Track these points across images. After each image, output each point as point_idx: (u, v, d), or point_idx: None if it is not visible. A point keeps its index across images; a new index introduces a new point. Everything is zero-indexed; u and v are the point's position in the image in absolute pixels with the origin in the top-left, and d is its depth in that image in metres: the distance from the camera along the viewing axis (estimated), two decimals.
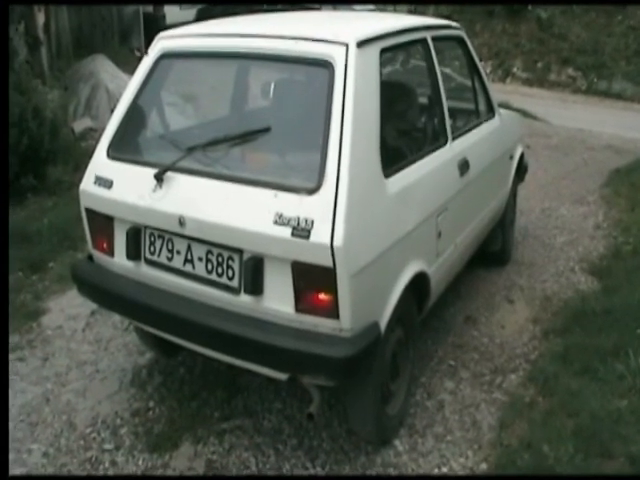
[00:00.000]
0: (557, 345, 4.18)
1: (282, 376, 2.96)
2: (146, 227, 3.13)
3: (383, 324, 2.96)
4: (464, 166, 3.88)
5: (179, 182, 3.02)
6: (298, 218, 2.66)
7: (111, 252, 3.31)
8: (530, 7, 17.46)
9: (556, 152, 8.84)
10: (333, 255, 2.61)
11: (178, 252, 3.05)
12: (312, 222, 2.64)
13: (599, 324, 4.28)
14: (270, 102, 3.74)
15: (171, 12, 13.20)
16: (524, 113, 11.52)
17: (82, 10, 11.65)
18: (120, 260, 3.27)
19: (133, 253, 3.18)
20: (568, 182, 7.51)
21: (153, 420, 3.59)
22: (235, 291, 2.90)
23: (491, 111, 4.78)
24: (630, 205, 6.58)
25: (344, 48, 2.89)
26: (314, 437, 3.47)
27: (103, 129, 7.43)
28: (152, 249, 3.14)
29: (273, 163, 3.11)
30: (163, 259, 3.11)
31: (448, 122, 3.79)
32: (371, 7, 13.22)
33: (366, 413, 3.17)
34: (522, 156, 5.36)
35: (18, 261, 5.06)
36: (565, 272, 5.30)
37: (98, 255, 3.41)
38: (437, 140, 3.72)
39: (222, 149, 3.05)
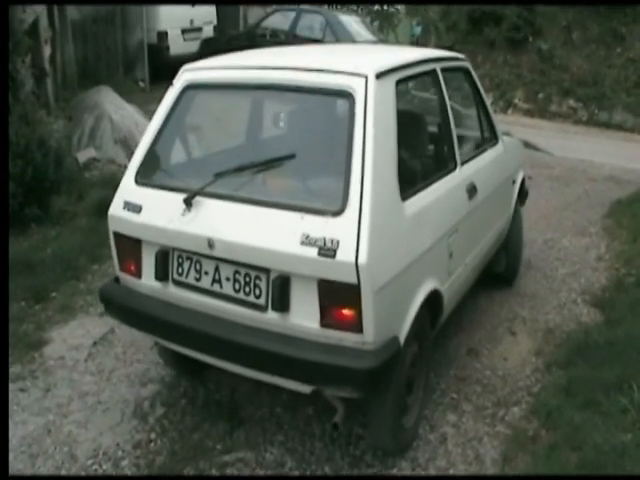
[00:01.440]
0: (560, 378, 4.16)
1: (306, 389, 3.09)
2: (174, 249, 3.29)
3: (402, 338, 3.11)
4: (472, 190, 4.06)
5: (207, 206, 3.17)
6: (324, 239, 2.84)
7: (138, 274, 3.46)
8: (531, 39, 17.63)
9: (558, 183, 8.87)
10: (358, 272, 2.78)
11: (206, 273, 3.20)
12: (337, 242, 2.81)
13: (602, 356, 4.26)
14: (292, 130, 3.93)
15: (175, 43, 13.30)
16: (526, 144, 11.61)
17: (87, 42, 11.78)
18: (147, 281, 3.42)
19: (161, 274, 3.33)
20: (570, 213, 7.53)
21: (155, 452, 3.58)
22: (262, 309, 3.06)
23: (495, 137, 4.96)
24: (632, 236, 6.59)
25: (364, 80, 3.10)
26: (316, 469, 3.46)
27: (107, 159, 7.53)
28: (180, 270, 3.29)
29: (298, 188, 3.27)
30: (191, 280, 3.26)
31: (457, 148, 3.99)
32: (372, 38, 13.33)
33: (385, 424, 3.33)
34: (523, 181, 5.53)
35: (21, 291, 5.06)
36: (567, 304, 5.30)
37: (125, 277, 3.55)
38: (447, 165, 3.89)
39: (248, 174, 3.23)
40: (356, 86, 3.09)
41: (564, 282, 5.70)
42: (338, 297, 2.88)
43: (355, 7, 16.43)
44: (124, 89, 10.53)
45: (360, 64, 3.28)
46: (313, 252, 2.84)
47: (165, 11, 13.08)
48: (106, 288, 3.66)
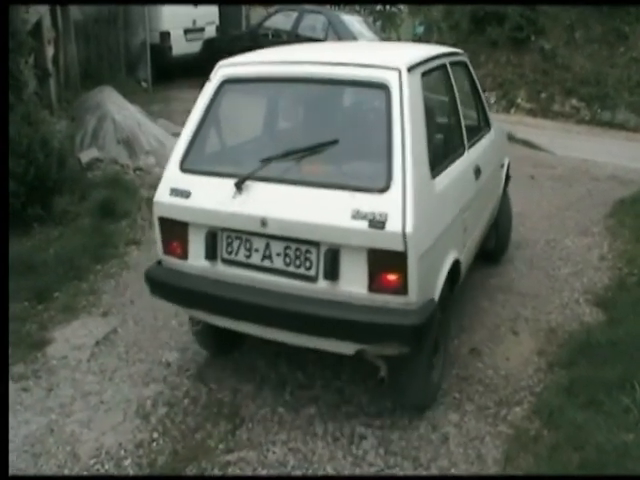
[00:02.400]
0: (562, 377, 4.16)
1: (349, 350, 3.47)
2: (224, 230, 3.57)
3: (435, 300, 3.51)
4: (478, 171, 4.52)
5: (258, 189, 3.48)
6: (373, 213, 3.21)
7: (184, 255, 3.72)
8: (533, 38, 17.61)
9: (560, 182, 8.85)
10: (405, 241, 3.17)
11: (256, 250, 3.50)
12: (386, 215, 3.19)
13: (604, 356, 4.26)
14: (331, 119, 4.09)
15: (178, 44, 13.29)
16: (528, 144, 11.61)
17: (90, 42, 11.79)
18: (195, 262, 3.68)
19: (210, 254, 3.60)
20: (572, 213, 7.52)
21: (157, 452, 3.59)
22: (313, 279, 3.38)
23: (488, 125, 5.36)
24: (635, 236, 6.57)
25: (397, 73, 3.50)
26: (318, 469, 3.47)
27: (109, 159, 7.53)
28: (229, 249, 3.57)
29: (343, 169, 3.63)
30: (241, 257, 3.54)
31: (465, 134, 4.44)
32: (375, 38, 13.31)
33: (419, 380, 3.72)
34: (508, 165, 5.92)
35: (24, 291, 5.08)
36: (570, 304, 5.30)
37: (169, 259, 3.80)
38: (458, 149, 4.31)
39: (295, 159, 3.54)
40: (391, 78, 3.47)
41: (566, 282, 5.70)
42: (386, 264, 3.24)
43: (357, 7, 16.42)
44: (127, 89, 10.53)
45: (392, 59, 3.69)
46: (364, 225, 3.21)
47: (168, 11, 13.07)
48: (151, 270, 3.88)
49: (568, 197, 8.15)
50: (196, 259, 3.67)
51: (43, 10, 8.07)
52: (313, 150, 3.54)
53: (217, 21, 14.36)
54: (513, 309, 5.18)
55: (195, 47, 13.63)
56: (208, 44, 13.78)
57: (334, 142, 3.54)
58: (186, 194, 3.64)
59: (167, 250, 3.79)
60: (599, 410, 3.73)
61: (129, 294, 5.27)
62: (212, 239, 3.58)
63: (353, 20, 13.46)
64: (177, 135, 9.07)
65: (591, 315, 5.10)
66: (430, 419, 3.87)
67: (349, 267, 3.31)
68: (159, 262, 3.88)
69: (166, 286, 3.81)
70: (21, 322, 4.77)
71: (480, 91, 5.23)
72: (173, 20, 13.22)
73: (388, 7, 16.32)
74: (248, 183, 3.49)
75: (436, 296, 3.52)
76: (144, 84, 12.54)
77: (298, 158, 3.54)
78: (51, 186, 6.16)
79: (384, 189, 3.25)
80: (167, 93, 12.37)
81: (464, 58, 5.03)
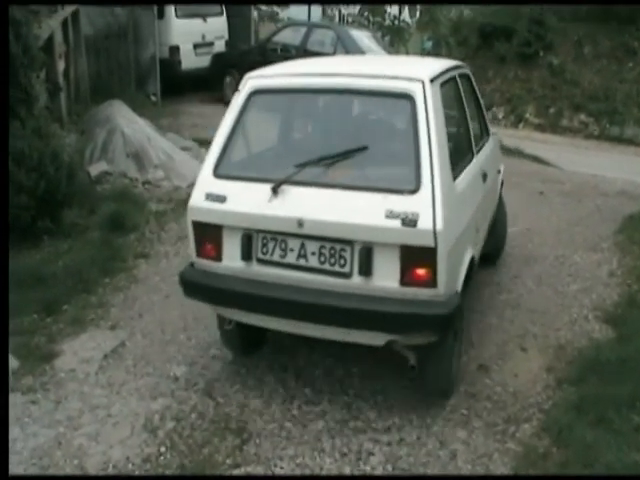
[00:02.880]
0: (571, 395, 4.14)
1: (380, 342, 3.74)
2: (259, 232, 3.78)
3: (459, 292, 3.80)
4: (484, 176, 4.82)
5: (293, 192, 3.71)
6: (406, 212, 3.48)
7: (218, 257, 3.90)
8: (542, 54, 17.64)
9: (569, 198, 8.83)
10: (435, 237, 3.45)
11: (292, 250, 3.71)
12: (417, 214, 3.46)
13: (614, 374, 4.23)
14: (359, 127, 4.44)
15: (187, 58, 13.37)
16: (537, 159, 11.61)
17: (100, 57, 11.87)
18: (229, 262, 3.87)
19: (246, 255, 3.79)
20: (581, 228, 7.50)
21: (164, 466, 3.58)
22: (347, 275, 3.62)
23: (487, 132, 5.65)
24: None
25: (421, 84, 3.79)
26: None
27: (119, 173, 7.57)
28: (264, 250, 3.78)
29: (374, 173, 3.90)
30: (276, 257, 3.76)
31: (473, 140, 4.74)
32: (384, 53, 13.35)
33: (443, 368, 3.96)
34: (502, 171, 6.24)
35: (33, 303, 5.09)
36: (579, 320, 5.27)
37: (202, 262, 3.98)
38: (468, 154, 4.58)
39: (327, 164, 3.80)
40: (415, 89, 3.76)
41: (575, 298, 5.67)
42: (417, 259, 3.52)
43: (366, 22, 16.51)
44: (136, 103, 10.59)
45: (415, 71, 4.05)
46: (397, 223, 3.48)
47: (177, 26, 13.17)
48: (185, 272, 4.06)
49: (577, 213, 8.13)
50: (231, 260, 3.86)
51: (55, 25, 8.14)
52: (345, 156, 3.81)
53: (226, 36, 14.42)
54: (522, 325, 5.16)
55: (204, 61, 13.70)
56: (217, 58, 13.85)
57: (364, 148, 3.84)
58: (222, 199, 3.83)
59: (200, 253, 3.97)
60: (609, 428, 3.71)
61: (137, 307, 5.28)
62: (248, 241, 3.78)
63: (362, 35, 13.51)
64: (186, 149, 9.18)
65: (600, 332, 5.08)
66: (438, 435, 3.85)
67: (382, 263, 3.56)
68: (191, 264, 4.06)
69: (201, 287, 3.99)
70: (30, 335, 4.78)
71: (481, 101, 5.58)
72: (182, 35, 13.31)
73: (397, 22, 16.36)
74: (284, 187, 3.71)
75: (459, 289, 3.80)
76: (153, 98, 12.59)
77: (330, 163, 3.80)
78: (61, 199, 6.19)
79: (414, 191, 3.53)
80: (176, 107, 12.43)
81: (467, 70, 5.33)
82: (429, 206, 3.48)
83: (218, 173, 3.94)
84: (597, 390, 4.08)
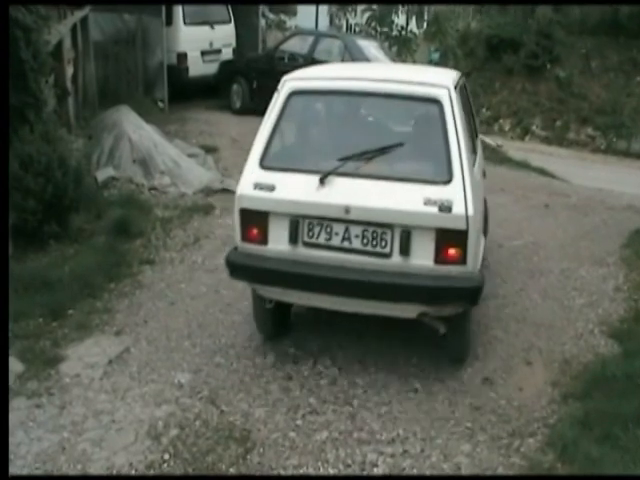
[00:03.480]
0: (577, 410, 4.12)
1: (413, 314, 4.28)
2: (305, 217, 4.19)
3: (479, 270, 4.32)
4: (484, 173, 5.43)
5: (338, 182, 4.17)
6: (441, 200, 4.01)
7: (264, 241, 4.29)
8: (549, 66, 17.67)
9: (575, 212, 8.81)
10: (467, 221, 4.00)
11: (336, 233, 4.16)
12: (452, 202, 4.00)
13: (620, 389, 4.22)
14: (392, 126, 5.03)
15: (194, 65, 13.38)
16: (543, 172, 11.61)
17: (109, 62, 11.90)
18: (275, 246, 4.26)
19: (294, 238, 4.18)
20: (587, 243, 7.48)
21: (167, 473, 3.57)
22: (387, 256, 4.11)
23: (477, 135, 6.06)
24: None
25: (447, 90, 4.37)
26: None
27: (125, 178, 7.59)
28: (310, 234, 4.20)
29: (411, 166, 4.38)
30: (321, 240, 4.19)
31: (475, 139, 5.30)
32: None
33: (463, 335, 4.58)
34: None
35: (39, 307, 5.09)
36: (585, 335, 5.26)
37: (247, 246, 4.34)
38: (474, 152, 4.93)
39: (367, 158, 4.27)
40: (442, 94, 4.33)
41: (581, 312, 5.66)
42: (450, 240, 4.04)
43: (373, 32, 16.54)
44: (143, 109, 10.60)
45: (439, 79, 4.69)
46: (434, 209, 4.01)
47: (185, 33, 13.20)
48: (231, 255, 4.42)
49: (583, 226, 8.12)
50: (277, 243, 4.25)
51: (64, 31, 8.17)
52: (383, 151, 4.30)
53: (234, 43, 14.44)
54: (527, 339, 5.15)
55: (212, 69, 13.72)
56: (224, 66, 13.86)
57: (400, 144, 4.37)
58: (271, 188, 4.24)
59: (245, 237, 4.34)
60: (615, 445, 3.69)
61: (142, 313, 5.28)
62: (295, 226, 4.18)
63: (369, 45, 13.51)
64: (192, 155, 9.19)
65: (606, 347, 5.06)
66: (442, 448, 3.84)
67: (419, 244, 4.06)
68: (235, 248, 4.42)
69: (249, 268, 4.36)
70: (35, 339, 4.78)
71: (472, 105, 6.01)
72: (190, 42, 13.33)
73: (404, 33, 16.39)
74: (330, 178, 4.15)
75: (478, 268, 4.31)
76: (161, 104, 12.61)
77: (370, 157, 4.27)
78: (67, 204, 6.20)
79: (448, 181, 4.07)
80: (183, 113, 12.44)
81: (465, 79, 5.73)
82: (461, 195, 4.03)
83: (264, 165, 4.34)
84: (603, 406, 4.06)
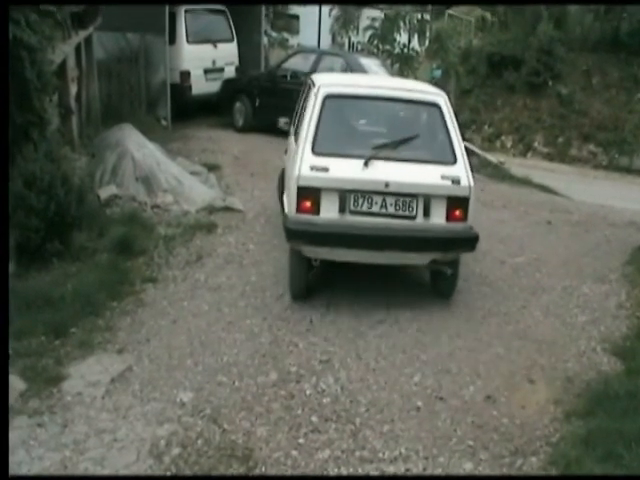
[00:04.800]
0: (579, 428, 4.12)
1: (425, 261, 5.75)
2: (351, 191, 5.45)
3: None
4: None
5: (377, 164, 5.52)
6: (452, 175, 5.55)
7: (317, 212, 5.47)
8: (550, 83, 17.73)
9: (577, 228, 8.81)
10: (470, 190, 5.56)
11: (376, 203, 5.48)
12: (459, 177, 5.56)
13: (623, 407, 4.21)
14: (406, 123, 6.45)
15: (197, 83, 13.43)
16: (545, 188, 11.62)
17: (112, 81, 11.96)
18: (326, 215, 5.46)
19: (342, 208, 5.43)
20: (590, 259, 7.48)
21: None
22: (413, 218, 5.52)
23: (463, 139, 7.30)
24: None
25: (444, 98, 6.02)
26: None
27: (128, 196, 7.61)
28: (355, 204, 5.47)
29: (426, 152, 5.87)
30: (364, 209, 5.49)
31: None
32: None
33: (455, 276, 5.93)
34: None
35: (41, 325, 5.09)
36: (587, 352, 5.25)
37: (299, 216, 5.49)
38: None
39: (395, 146, 5.71)
40: (441, 100, 5.96)
41: (584, 330, 5.66)
42: (457, 205, 5.56)
43: (375, 50, 16.61)
44: (146, 127, 10.63)
45: (436, 90, 6.41)
46: (448, 182, 5.53)
47: (188, 52, 13.27)
48: (288, 223, 5.55)
49: (585, 243, 8.12)
50: (327, 213, 5.46)
51: (68, 50, 8.22)
52: (405, 141, 5.75)
53: (236, 62, 14.50)
54: (529, 356, 5.14)
55: (214, 87, 13.76)
56: (227, 84, 13.91)
57: (417, 136, 5.88)
58: (325, 169, 5.43)
59: (300, 209, 5.47)
60: (618, 463, 3.68)
61: (145, 332, 5.28)
62: (343, 198, 5.41)
63: (371, 63, 13.55)
64: (195, 173, 9.21)
65: (609, 364, 5.05)
66: (444, 467, 3.83)
67: (436, 208, 5.51)
68: (285, 219, 5.64)
69: (305, 232, 5.47)
70: (37, 357, 4.77)
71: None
72: (193, 60, 13.39)
73: (406, 50, 16.46)
74: (371, 161, 5.47)
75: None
76: (164, 122, 12.64)
77: (396, 145, 5.70)
78: (70, 222, 6.21)
79: (454, 162, 5.63)
80: (186, 131, 12.49)
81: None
82: (464, 172, 5.59)
83: (316, 152, 5.52)
84: (606, 424, 4.05)
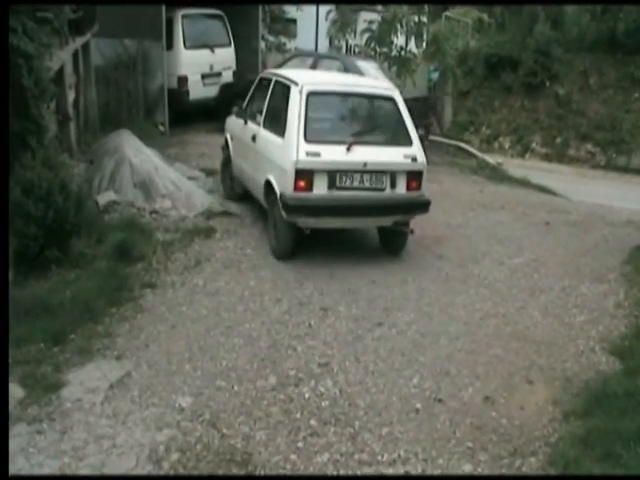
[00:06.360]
0: (578, 428, 4.12)
1: (390, 222, 6.97)
2: (338, 171, 6.58)
3: None
4: None
5: (356, 149, 6.65)
6: (410, 155, 6.83)
7: (310, 189, 6.54)
8: (548, 84, 17.74)
9: (575, 228, 8.83)
10: (423, 166, 6.89)
11: (356, 179, 6.65)
12: (415, 156, 6.84)
13: (621, 407, 4.21)
14: (371, 113, 7.54)
15: (195, 88, 13.45)
16: (544, 189, 11.64)
17: (110, 87, 11.99)
18: (317, 191, 6.56)
19: (331, 185, 6.55)
20: (588, 259, 7.49)
21: None
22: (383, 190, 6.77)
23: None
24: None
25: (397, 91, 7.39)
26: None
27: (126, 202, 7.61)
28: (340, 182, 6.60)
29: (390, 137, 7.22)
30: (347, 184, 6.63)
31: None
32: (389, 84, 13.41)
33: (405, 236, 7.21)
34: None
35: (40, 332, 5.09)
36: (586, 352, 5.26)
37: (295, 194, 6.50)
38: None
39: (367, 132, 7.17)
40: (395, 94, 7.25)
41: (582, 329, 5.67)
42: (414, 178, 6.85)
43: (372, 53, 16.59)
44: (144, 133, 10.64)
45: (390, 85, 8.37)
46: (408, 160, 6.80)
47: (186, 57, 13.30)
48: (286, 199, 6.52)
49: (584, 243, 8.13)
50: (319, 190, 6.55)
51: (66, 57, 8.24)
52: (375, 128, 7.35)
53: (234, 66, 14.53)
54: (528, 357, 5.15)
55: (212, 92, 13.78)
56: (225, 89, 13.92)
57: (380, 125, 7.42)
58: (318, 154, 6.50)
59: (296, 188, 6.49)
60: (617, 463, 3.68)
61: (143, 337, 5.28)
62: (332, 177, 6.54)
63: (368, 66, 13.55)
64: (193, 178, 9.21)
65: (607, 364, 5.06)
66: (443, 469, 3.84)
67: (399, 181, 6.79)
68: (282, 196, 6.56)
69: (301, 206, 6.55)
70: (36, 364, 4.77)
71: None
72: (191, 65, 13.41)
73: (403, 53, 16.44)
74: (351, 146, 6.61)
75: None
76: (161, 128, 12.67)
77: (369, 132, 7.19)
78: (69, 229, 6.21)
79: (410, 144, 6.90)
80: (184, 136, 12.51)
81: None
82: (419, 151, 6.91)
83: (308, 139, 6.55)
84: (604, 424, 4.06)
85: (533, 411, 4.42)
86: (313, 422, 4.24)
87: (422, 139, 12.22)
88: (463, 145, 15.86)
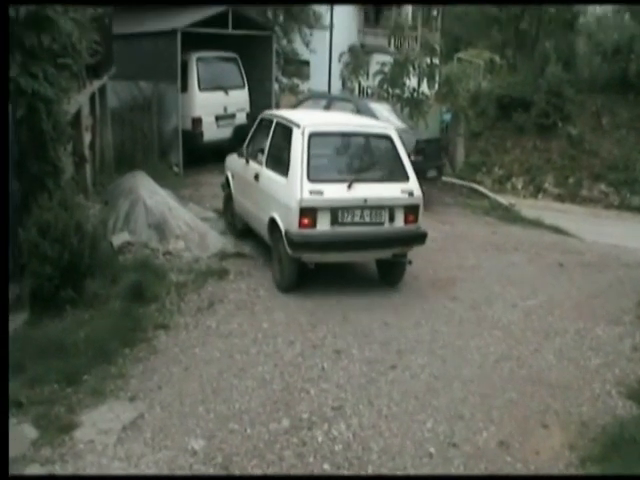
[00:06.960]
0: (595, 474, 4.06)
1: (389, 255, 7.30)
2: (340, 208, 6.87)
3: None
4: None
5: (357, 186, 6.94)
6: (407, 190, 7.14)
7: (314, 225, 6.81)
8: (560, 124, 17.81)
9: (590, 269, 8.79)
10: (420, 200, 7.24)
11: (356, 215, 6.94)
12: (412, 190, 7.16)
13: (639, 452, 4.15)
14: (370, 151, 7.78)
15: (209, 130, 13.57)
16: (557, 230, 11.61)
17: (125, 128, 12.15)
18: (321, 227, 6.84)
19: (334, 222, 6.84)
20: (603, 301, 7.45)
21: None
22: (382, 224, 7.07)
23: None
24: None
25: (394, 130, 7.74)
26: None
27: (140, 243, 7.68)
28: (342, 217, 6.89)
29: (388, 174, 7.42)
30: (348, 220, 6.92)
31: None
32: (402, 125, 13.52)
33: (403, 267, 7.52)
34: None
35: (54, 373, 5.11)
36: (602, 396, 5.21)
37: (300, 231, 6.77)
38: None
39: (366, 170, 7.48)
40: (392, 133, 7.57)
41: (598, 373, 5.61)
42: (411, 211, 7.14)
43: (385, 94, 16.75)
44: (158, 174, 10.76)
45: (388, 124, 8.84)
46: (406, 195, 7.12)
47: (200, 99, 13.45)
48: (292, 236, 6.79)
49: (598, 284, 8.09)
50: (322, 226, 6.84)
51: (83, 100, 8.38)
52: (373, 166, 7.60)
53: (248, 108, 14.68)
54: (543, 401, 5.10)
55: (226, 133, 13.91)
56: (239, 130, 14.02)
57: (381, 162, 7.64)
58: (320, 192, 6.79)
59: (301, 225, 6.76)
60: None
61: (157, 379, 5.28)
62: (335, 214, 6.83)
63: (381, 108, 13.69)
64: (206, 220, 9.27)
65: (624, 408, 5.01)
66: None
67: (397, 215, 7.08)
68: (286, 233, 6.84)
69: (306, 243, 6.82)
70: (50, 404, 4.78)
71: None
72: (205, 107, 13.55)
73: (415, 94, 16.61)
74: (352, 184, 6.89)
75: None
76: (175, 169, 12.79)
77: (367, 169, 7.49)
78: (84, 270, 6.25)
79: (407, 180, 7.21)
80: (197, 178, 12.62)
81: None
82: (416, 186, 7.22)
83: (311, 179, 6.84)
84: (622, 469, 4.01)
85: (549, 456, 4.37)
86: (326, 466, 4.22)
87: (435, 180, 12.43)
88: (475, 186, 15.88)
